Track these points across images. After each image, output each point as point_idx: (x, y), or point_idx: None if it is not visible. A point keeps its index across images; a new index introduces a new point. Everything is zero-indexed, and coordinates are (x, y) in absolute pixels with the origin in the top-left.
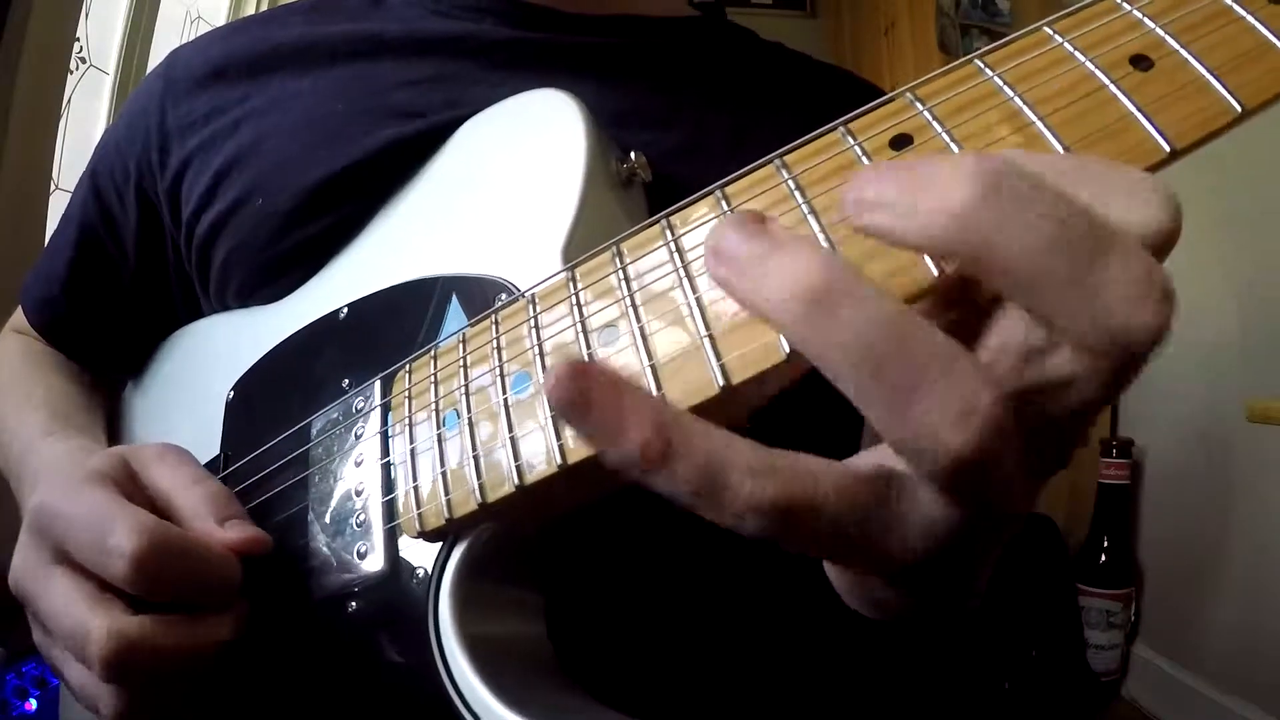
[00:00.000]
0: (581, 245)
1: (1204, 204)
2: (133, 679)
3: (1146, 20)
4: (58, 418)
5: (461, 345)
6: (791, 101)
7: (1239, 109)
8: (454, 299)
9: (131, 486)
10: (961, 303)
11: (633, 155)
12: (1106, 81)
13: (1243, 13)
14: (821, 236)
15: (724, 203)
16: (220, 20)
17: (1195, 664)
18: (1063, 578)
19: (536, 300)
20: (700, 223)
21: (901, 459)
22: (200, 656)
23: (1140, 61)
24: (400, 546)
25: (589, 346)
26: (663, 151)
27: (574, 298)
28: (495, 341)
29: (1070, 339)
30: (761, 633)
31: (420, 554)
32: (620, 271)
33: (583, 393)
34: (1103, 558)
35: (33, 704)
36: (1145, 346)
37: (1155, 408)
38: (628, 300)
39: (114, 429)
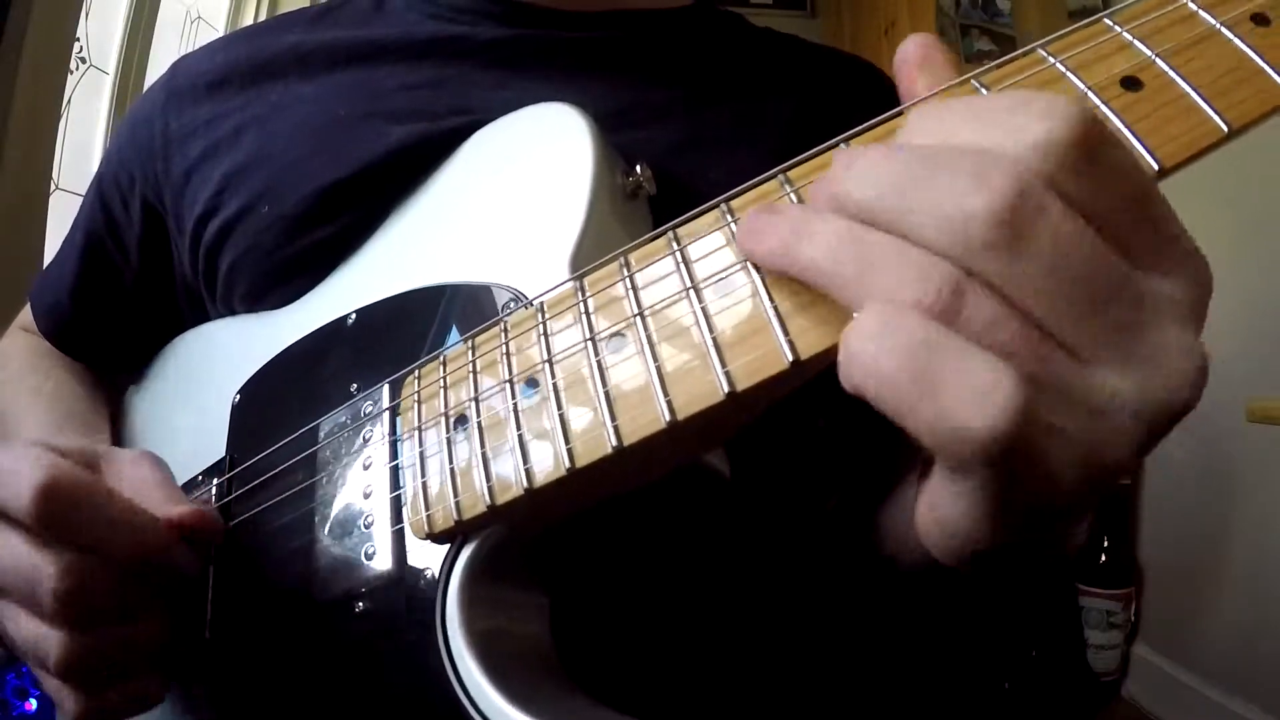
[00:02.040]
0: (588, 255)
1: (1205, 204)
2: (85, 618)
3: (1137, 43)
4: (70, 417)
5: (470, 351)
6: (790, 88)
7: (1225, 129)
8: (462, 306)
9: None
10: None
11: (638, 168)
12: (1098, 102)
13: (1230, 36)
14: None
15: (728, 215)
16: (220, 20)
17: (1195, 664)
18: (1063, 578)
19: (545, 308)
20: (705, 234)
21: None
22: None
23: (1130, 83)
24: (408, 548)
25: (597, 353)
26: (662, 148)
27: (582, 306)
28: (504, 347)
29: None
30: (763, 635)
31: (428, 555)
32: (627, 280)
33: None
34: (1103, 558)
35: (33, 704)
36: (985, 222)
37: None
38: (635, 309)
39: (118, 430)
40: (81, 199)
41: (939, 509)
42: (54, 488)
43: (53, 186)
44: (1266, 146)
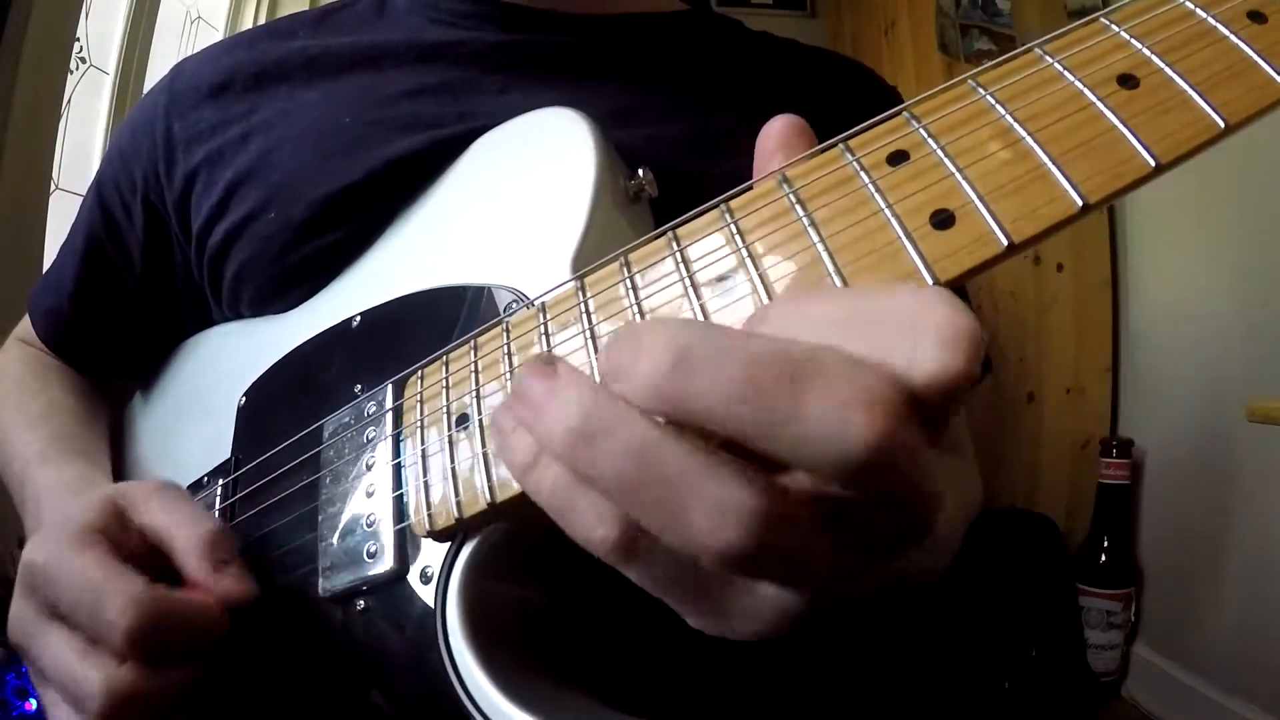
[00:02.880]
0: (590, 257)
1: (1206, 204)
2: None
3: (1133, 41)
4: (56, 439)
5: (473, 351)
6: (790, 92)
7: (1222, 125)
8: (465, 307)
9: (121, 532)
10: None
11: (640, 172)
12: (1094, 99)
13: (1226, 32)
14: (820, 247)
15: (728, 215)
16: (220, 21)
17: (1195, 664)
18: (1063, 578)
19: (546, 309)
20: (705, 234)
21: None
22: (186, 699)
23: (1127, 80)
24: (410, 546)
25: (597, 352)
26: (666, 145)
27: (583, 306)
28: (506, 347)
29: (796, 465)
30: None
31: (429, 553)
32: (628, 281)
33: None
34: (1103, 558)
35: (33, 704)
36: (861, 459)
37: (1155, 408)
38: (635, 309)
39: (123, 435)
40: (81, 200)
41: None
42: (142, 629)
43: (53, 186)
44: (1267, 144)
